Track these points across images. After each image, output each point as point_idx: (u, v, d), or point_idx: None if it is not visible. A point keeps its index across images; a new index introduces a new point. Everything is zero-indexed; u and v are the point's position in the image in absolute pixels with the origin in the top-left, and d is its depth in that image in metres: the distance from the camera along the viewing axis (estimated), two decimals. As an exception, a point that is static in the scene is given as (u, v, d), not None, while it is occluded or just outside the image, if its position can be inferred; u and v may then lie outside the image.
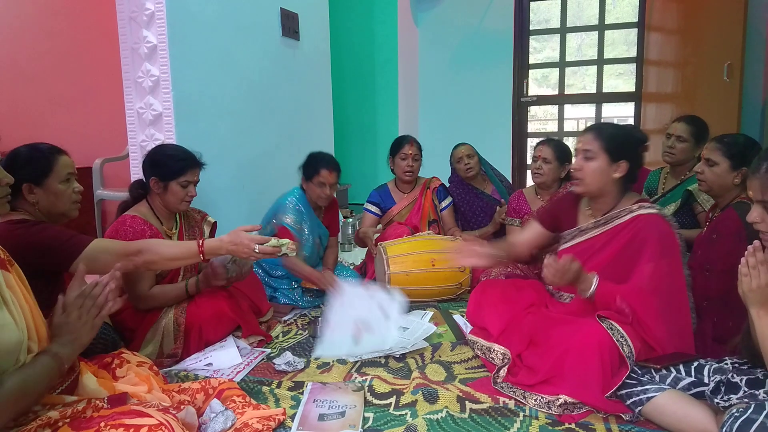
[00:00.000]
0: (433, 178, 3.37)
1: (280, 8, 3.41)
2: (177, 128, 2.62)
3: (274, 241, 1.83)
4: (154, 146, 2.40)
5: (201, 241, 1.81)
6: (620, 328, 1.68)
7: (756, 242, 1.35)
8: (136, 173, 2.62)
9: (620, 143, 1.87)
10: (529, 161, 5.37)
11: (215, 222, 2.46)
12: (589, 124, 2.15)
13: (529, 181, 5.27)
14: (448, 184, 3.53)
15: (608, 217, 1.91)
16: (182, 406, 1.47)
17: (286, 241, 1.85)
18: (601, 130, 1.90)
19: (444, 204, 3.30)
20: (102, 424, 1.14)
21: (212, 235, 2.44)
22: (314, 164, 2.76)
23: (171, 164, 2.15)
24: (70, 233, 1.67)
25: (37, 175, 1.70)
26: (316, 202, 2.84)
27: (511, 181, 4.53)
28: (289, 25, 3.49)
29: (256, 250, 1.81)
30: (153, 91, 2.59)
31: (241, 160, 3.12)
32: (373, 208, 3.29)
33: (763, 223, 1.35)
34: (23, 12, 4.47)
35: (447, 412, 1.64)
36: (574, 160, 1.97)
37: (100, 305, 1.31)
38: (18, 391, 1.12)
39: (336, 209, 3.09)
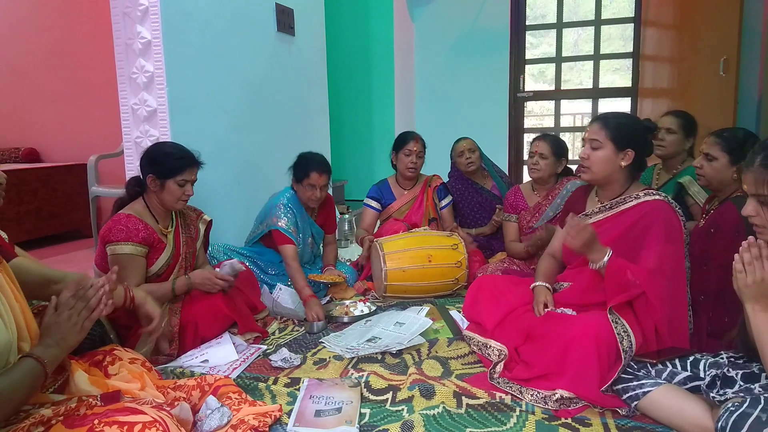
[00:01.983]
0: (434, 176, 3.35)
1: (275, 3, 3.39)
2: (172, 124, 2.60)
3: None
4: (152, 143, 2.39)
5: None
6: (625, 323, 1.69)
7: (750, 238, 1.35)
8: (131, 170, 2.61)
9: (626, 132, 1.91)
10: (525, 157, 5.39)
11: (211, 220, 2.45)
12: (592, 117, 2.18)
13: (526, 177, 5.28)
14: (447, 179, 3.53)
15: (614, 203, 1.95)
16: (176, 403, 1.46)
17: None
18: (607, 119, 1.95)
19: (444, 202, 3.29)
20: (96, 421, 1.13)
21: (207, 233, 2.43)
22: (304, 166, 2.71)
23: (169, 163, 2.13)
24: None
25: None
26: (307, 204, 2.80)
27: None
28: (285, 20, 3.47)
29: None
30: (147, 87, 2.58)
31: (237, 156, 3.11)
32: (373, 203, 3.28)
33: (758, 216, 1.35)
34: (17, 8, 4.45)
35: (443, 407, 1.64)
36: (581, 149, 2.01)
37: (92, 308, 1.30)
38: None
39: (332, 207, 3.06)
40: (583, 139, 2.00)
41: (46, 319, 1.27)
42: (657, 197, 1.88)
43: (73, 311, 1.27)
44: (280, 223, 2.69)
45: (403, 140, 3.20)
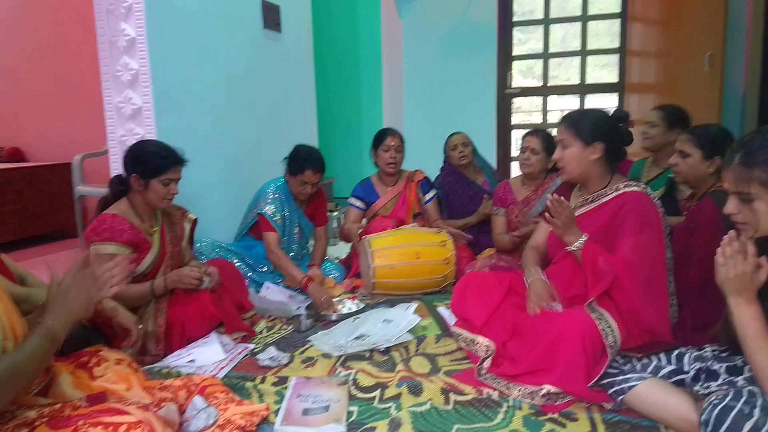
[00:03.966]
0: (416, 171, 3.36)
1: (262, 0, 3.37)
2: (157, 122, 2.58)
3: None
4: (135, 142, 2.37)
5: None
6: (609, 318, 1.70)
7: (732, 232, 1.36)
8: (116, 169, 2.59)
9: (590, 126, 1.92)
10: (513, 153, 5.40)
11: (196, 218, 2.43)
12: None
13: (514, 173, 5.30)
14: (439, 173, 3.54)
15: (596, 195, 1.97)
16: (163, 404, 1.45)
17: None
18: (571, 117, 1.98)
19: (428, 197, 3.29)
20: (80, 422, 1.13)
21: (192, 231, 2.41)
22: (300, 162, 2.73)
23: (153, 162, 2.10)
24: None
25: None
26: (297, 196, 2.84)
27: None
28: (271, 17, 3.45)
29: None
30: (132, 84, 2.55)
31: (223, 153, 3.09)
32: (358, 203, 3.28)
33: (740, 214, 1.36)
34: (0, 6, 4.38)
35: (431, 404, 1.64)
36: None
37: (100, 285, 1.29)
38: (9, 373, 1.10)
39: (322, 199, 3.06)
40: (556, 141, 2.02)
41: (51, 293, 1.27)
42: (635, 188, 1.90)
43: (81, 287, 1.27)
44: (266, 209, 2.75)
45: (380, 137, 3.21)
